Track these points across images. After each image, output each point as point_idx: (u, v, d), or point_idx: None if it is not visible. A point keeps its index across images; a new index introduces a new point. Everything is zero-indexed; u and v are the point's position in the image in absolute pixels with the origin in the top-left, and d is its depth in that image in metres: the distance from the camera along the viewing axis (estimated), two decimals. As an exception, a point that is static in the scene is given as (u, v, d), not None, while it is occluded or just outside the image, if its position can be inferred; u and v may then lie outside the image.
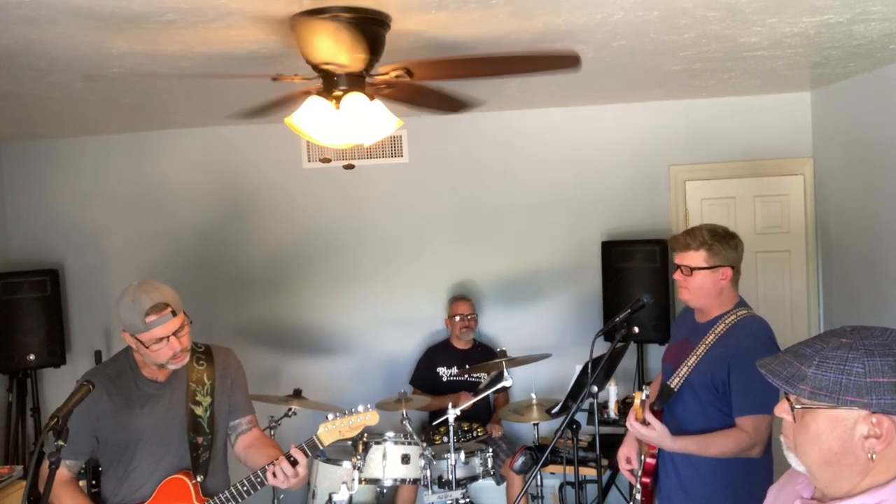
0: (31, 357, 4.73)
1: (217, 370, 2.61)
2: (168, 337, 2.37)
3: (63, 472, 2.43)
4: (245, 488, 2.43)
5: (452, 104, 3.23)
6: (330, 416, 2.44)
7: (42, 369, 5.02)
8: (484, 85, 3.73)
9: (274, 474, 2.38)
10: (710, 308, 2.67)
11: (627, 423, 2.57)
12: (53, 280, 4.86)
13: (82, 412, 2.31)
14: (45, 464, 2.05)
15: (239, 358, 2.77)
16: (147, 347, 2.37)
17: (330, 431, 2.43)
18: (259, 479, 2.42)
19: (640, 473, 2.79)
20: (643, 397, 2.62)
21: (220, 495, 2.44)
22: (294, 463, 2.39)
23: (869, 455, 1.25)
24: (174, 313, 2.37)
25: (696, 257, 2.63)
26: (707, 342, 2.61)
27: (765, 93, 4.68)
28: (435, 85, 2.95)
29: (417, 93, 2.99)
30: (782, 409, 1.33)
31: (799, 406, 1.28)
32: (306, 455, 2.40)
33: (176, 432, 2.50)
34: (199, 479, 2.49)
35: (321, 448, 2.41)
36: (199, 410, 2.53)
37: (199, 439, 2.52)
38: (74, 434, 2.13)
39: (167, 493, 2.46)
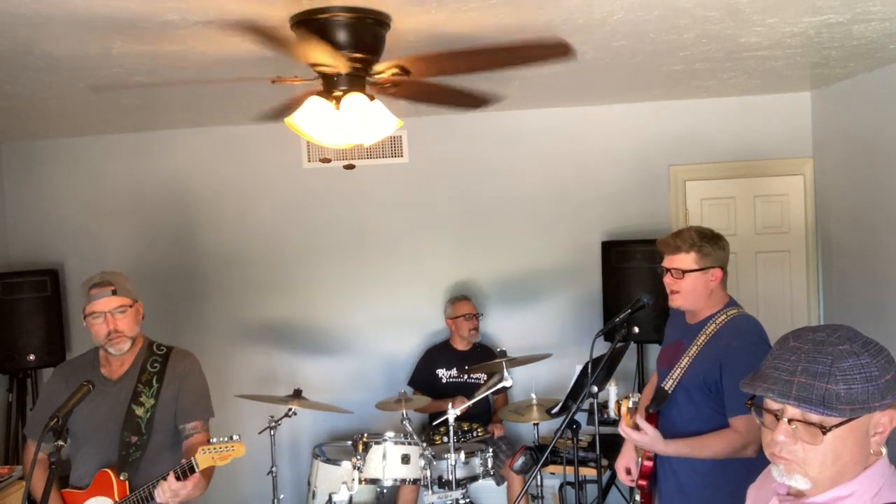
0: (31, 357, 4.73)
1: (167, 374, 2.70)
2: (105, 314, 2.57)
3: (39, 455, 2.62)
4: (144, 494, 2.52)
5: (472, 100, 3.24)
6: (213, 440, 2.50)
7: (42, 369, 5.02)
8: (491, 83, 3.72)
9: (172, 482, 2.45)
10: (700, 309, 2.68)
11: (619, 430, 2.58)
12: (53, 280, 4.85)
13: (46, 401, 2.64)
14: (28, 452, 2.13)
15: (199, 363, 2.82)
16: (89, 323, 2.60)
17: (205, 457, 2.46)
18: (148, 492, 2.51)
19: (637, 476, 2.80)
20: (630, 405, 2.64)
21: (126, 498, 2.55)
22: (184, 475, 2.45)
23: (872, 451, 1.28)
24: (115, 293, 2.59)
25: (686, 259, 2.63)
26: (699, 343, 2.61)
27: (765, 93, 4.69)
28: (452, 82, 2.95)
29: (435, 91, 2.99)
30: (785, 432, 1.29)
31: (827, 427, 1.25)
32: (178, 478, 2.42)
33: (112, 429, 2.63)
34: (125, 476, 2.57)
35: (197, 470, 2.44)
36: (139, 411, 2.64)
37: (133, 438, 2.61)
38: (41, 419, 2.35)
39: (98, 485, 2.60)
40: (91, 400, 2.56)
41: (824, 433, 1.25)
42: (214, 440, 2.50)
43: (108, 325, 2.59)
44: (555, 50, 2.66)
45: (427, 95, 3.07)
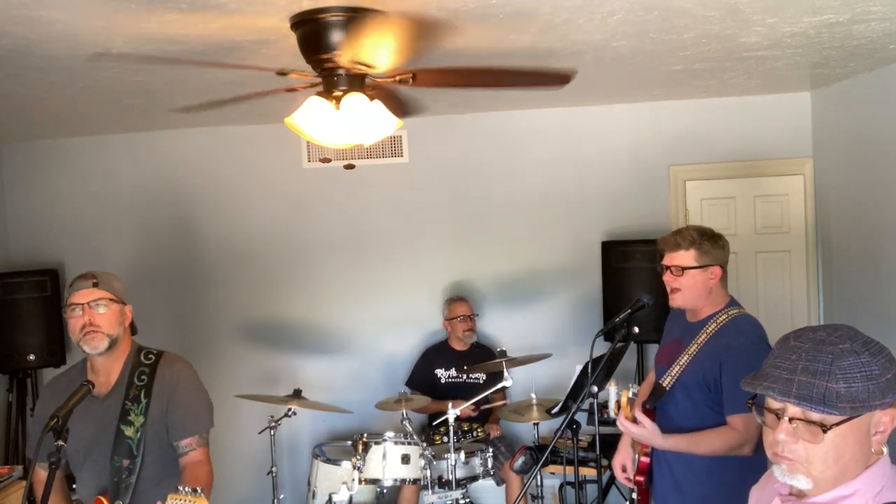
0: (31, 357, 4.73)
1: (155, 387, 2.47)
2: (83, 305, 2.40)
3: (41, 473, 2.48)
4: None
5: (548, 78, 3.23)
6: (180, 488, 2.22)
7: (42, 369, 5.02)
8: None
9: None
10: (701, 308, 2.68)
11: (618, 423, 2.58)
12: (53, 280, 4.85)
13: (39, 419, 2.44)
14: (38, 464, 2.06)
15: (192, 369, 2.58)
16: (67, 316, 2.43)
17: None
18: None
19: (634, 472, 2.80)
20: (630, 395, 2.64)
21: None
22: None
23: (873, 450, 1.29)
24: (96, 285, 2.42)
25: (686, 257, 2.64)
26: (699, 341, 2.62)
27: (765, 93, 4.68)
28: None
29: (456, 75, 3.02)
30: (786, 431, 1.29)
31: (827, 426, 1.25)
32: None
33: (102, 452, 2.44)
34: None
35: None
36: (129, 431, 2.43)
37: (125, 462, 2.42)
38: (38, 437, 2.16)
39: None
40: (80, 420, 2.41)
41: (825, 431, 1.25)
42: (181, 488, 2.22)
43: (85, 316, 2.39)
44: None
45: (453, 80, 3.07)
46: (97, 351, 2.43)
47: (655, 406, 2.67)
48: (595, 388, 2.86)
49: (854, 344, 1.29)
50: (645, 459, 2.75)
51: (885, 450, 1.31)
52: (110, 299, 2.44)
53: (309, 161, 5.11)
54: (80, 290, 2.41)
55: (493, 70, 2.76)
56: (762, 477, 1.54)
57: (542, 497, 4.18)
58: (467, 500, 3.77)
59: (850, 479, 1.29)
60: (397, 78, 2.71)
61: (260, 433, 4.23)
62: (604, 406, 4.49)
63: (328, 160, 3.18)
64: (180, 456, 2.48)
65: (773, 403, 1.31)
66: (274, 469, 4.21)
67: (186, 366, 2.58)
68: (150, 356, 2.55)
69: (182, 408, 2.48)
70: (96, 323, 2.40)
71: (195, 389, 2.55)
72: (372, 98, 2.65)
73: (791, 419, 1.28)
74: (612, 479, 4.39)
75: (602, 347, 2.77)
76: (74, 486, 2.62)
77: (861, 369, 1.26)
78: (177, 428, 2.47)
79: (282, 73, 2.79)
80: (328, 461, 4.04)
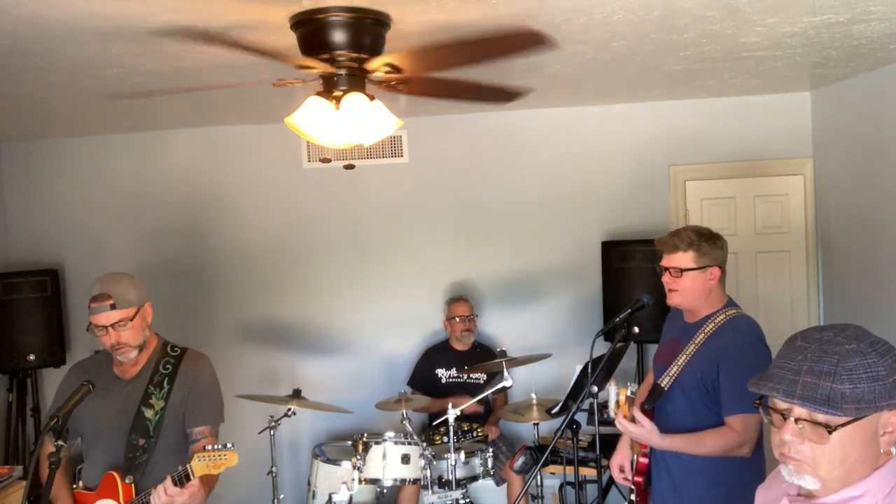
0: (31, 357, 4.73)
1: (179, 375, 2.66)
2: (106, 328, 2.52)
3: (49, 447, 2.54)
4: (146, 500, 2.46)
5: (501, 94, 3.23)
6: (208, 447, 2.40)
7: (42, 369, 5.02)
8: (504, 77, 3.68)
9: (165, 491, 2.38)
10: (699, 308, 2.68)
11: (616, 422, 2.58)
12: (53, 280, 4.86)
13: (62, 397, 2.55)
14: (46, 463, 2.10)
15: (212, 366, 2.76)
16: (93, 332, 2.56)
17: (200, 464, 2.35)
18: (147, 499, 2.45)
19: (632, 473, 2.80)
20: (628, 394, 2.63)
21: (130, 502, 2.51)
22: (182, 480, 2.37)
23: (882, 450, 1.28)
24: (114, 307, 2.51)
25: (684, 258, 2.64)
26: (697, 342, 2.62)
27: (765, 93, 4.69)
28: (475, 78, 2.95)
29: (454, 86, 2.99)
30: (791, 431, 1.29)
31: (833, 427, 1.25)
32: (176, 484, 2.34)
33: (121, 430, 2.59)
34: (130, 480, 2.54)
35: (193, 478, 2.35)
36: (149, 413, 2.60)
37: (141, 441, 2.58)
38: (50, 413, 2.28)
39: (105, 487, 2.58)
40: (102, 399, 2.57)
41: (830, 433, 1.25)
42: (210, 447, 2.40)
43: (112, 337, 2.55)
44: (531, 39, 2.69)
45: (449, 91, 3.06)
46: (129, 359, 2.61)
47: (654, 406, 2.67)
48: (595, 388, 2.86)
49: (861, 344, 1.28)
50: (643, 460, 2.75)
51: (895, 451, 1.30)
52: (130, 318, 2.56)
53: (309, 161, 5.11)
54: (100, 313, 2.52)
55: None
56: (769, 477, 1.54)
57: (542, 497, 4.18)
58: (467, 500, 3.77)
59: (858, 479, 1.28)
60: (382, 71, 2.69)
61: (260, 433, 4.23)
62: (604, 406, 4.49)
63: (328, 160, 3.17)
64: (192, 443, 2.62)
65: (780, 404, 1.31)
66: (274, 469, 4.22)
67: (208, 361, 2.77)
68: (176, 350, 2.74)
69: (201, 397, 2.66)
70: (123, 341, 2.56)
71: (214, 384, 2.73)
72: (372, 98, 2.65)
73: (797, 420, 1.28)
74: (612, 479, 4.38)
75: (602, 347, 2.77)
76: (79, 481, 2.70)
77: (867, 370, 1.25)
78: (193, 415, 2.64)
79: (278, 84, 2.79)
80: (328, 461, 4.05)
